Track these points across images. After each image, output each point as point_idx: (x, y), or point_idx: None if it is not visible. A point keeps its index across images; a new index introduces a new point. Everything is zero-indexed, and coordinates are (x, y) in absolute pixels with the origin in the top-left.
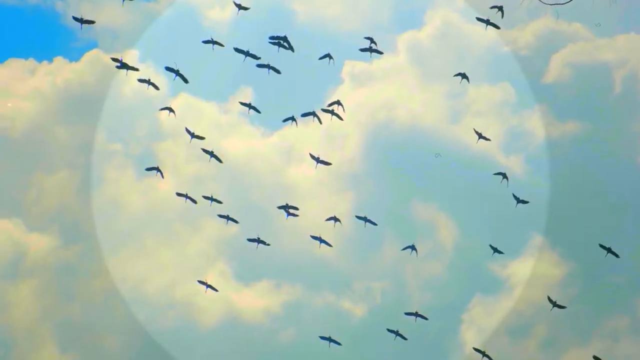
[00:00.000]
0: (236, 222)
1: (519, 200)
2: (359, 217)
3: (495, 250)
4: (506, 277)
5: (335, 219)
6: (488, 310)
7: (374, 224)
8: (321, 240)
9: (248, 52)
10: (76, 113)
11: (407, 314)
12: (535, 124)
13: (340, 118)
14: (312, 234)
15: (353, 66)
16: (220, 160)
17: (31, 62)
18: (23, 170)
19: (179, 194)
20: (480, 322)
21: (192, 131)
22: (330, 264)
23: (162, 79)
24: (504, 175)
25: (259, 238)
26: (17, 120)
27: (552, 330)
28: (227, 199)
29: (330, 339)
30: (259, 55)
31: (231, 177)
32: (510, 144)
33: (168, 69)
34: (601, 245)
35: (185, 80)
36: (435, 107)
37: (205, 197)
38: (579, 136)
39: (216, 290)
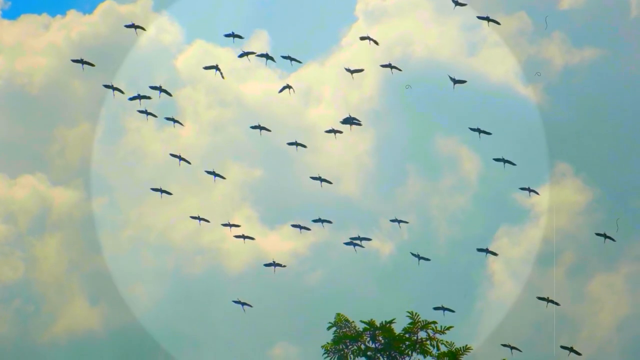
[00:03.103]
0: (252, 238)
1: (455, 81)
2: (392, 220)
3: (486, 251)
4: (531, 206)
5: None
6: (515, 240)
7: (407, 221)
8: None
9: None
10: (93, 65)
11: (435, 308)
12: (553, 52)
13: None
14: (334, 174)
15: (367, 3)
16: (223, 177)
17: (45, 17)
18: (44, 125)
19: (153, 189)
20: (507, 253)
21: (159, 85)
22: (356, 202)
23: (176, 27)
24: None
25: (274, 262)
26: (35, 77)
27: (579, 257)
28: (248, 143)
29: None
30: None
31: (250, 120)
32: (528, 73)
33: (152, 87)
34: (597, 234)
35: (169, 94)
36: (451, 40)
37: (208, 172)
38: (597, 62)
39: (253, 238)
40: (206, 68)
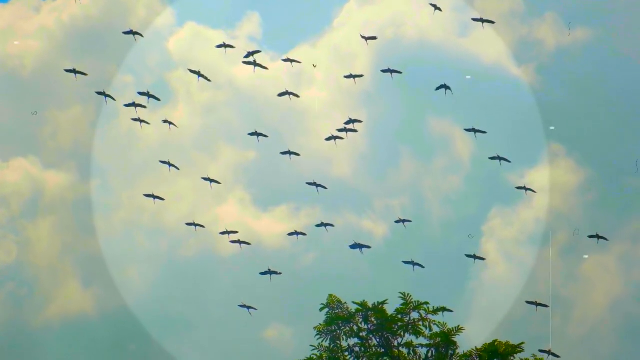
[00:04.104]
0: (249, 244)
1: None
2: (396, 221)
3: (474, 257)
4: (524, 186)
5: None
6: (507, 221)
7: (410, 220)
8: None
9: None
10: (84, 48)
11: (436, 309)
12: (546, 33)
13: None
14: (327, 156)
15: None
16: (219, 183)
17: (35, 0)
18: (35, 108)
19: (146, 195)
20: (500, 233)
21: (147, 91)
22: (349, 183)
23: (167, 9)
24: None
25: (269, 269)
26: (26, 59)
27: (572, 237)
28: (240, 125)
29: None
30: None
31: (243, 102)
32: (521, 54)
33: (140, 93)
34: (590, 236)
35: (157, 99)
36: (443, 21)
37: (205, 179)
38: (590, 42)
39: (249, 244)
40: (191, 71)
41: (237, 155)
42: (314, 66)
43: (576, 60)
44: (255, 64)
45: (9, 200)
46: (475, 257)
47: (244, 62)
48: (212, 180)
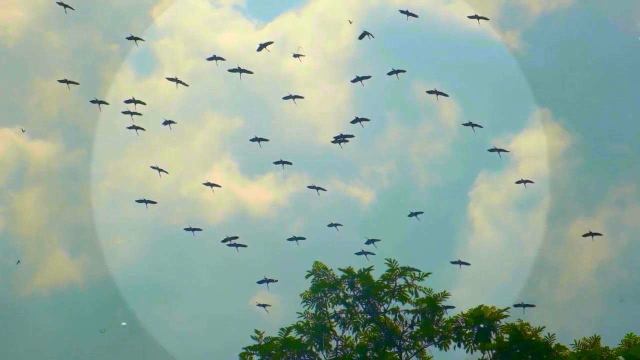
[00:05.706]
0: (245, 246)
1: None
2: (409, 215)
3: (459, 262)
4: (510, 151)
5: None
6: (494, 186)
7: (421, 211)
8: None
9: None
10: (69, 17)
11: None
12: None
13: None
14: (314, 123)
15: None
16: (219, 186)
17: None
18: (21, 78)
19: (138, 200)
20: (487, 198)
21: (132, 97)
22: (336, 151)
23: None
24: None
25: (265, 278)
26: (10, 29)
27: (558, 202)
28: (226, 93)
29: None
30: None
31: (228, 70)
32: (506, 20)
33: (127, 101)
34: (584, 234)
35: (143, 104)
36: None
37: (205, 184)
38: (575, 7)
39: (245, 246)
40: (169, 79)
41: (223, 124)
42: (350, 22)
43: (561, 25)
44: (240, 70)
45: None
46: (460, 262)
47: (230, 70)
48: (212, 185)
